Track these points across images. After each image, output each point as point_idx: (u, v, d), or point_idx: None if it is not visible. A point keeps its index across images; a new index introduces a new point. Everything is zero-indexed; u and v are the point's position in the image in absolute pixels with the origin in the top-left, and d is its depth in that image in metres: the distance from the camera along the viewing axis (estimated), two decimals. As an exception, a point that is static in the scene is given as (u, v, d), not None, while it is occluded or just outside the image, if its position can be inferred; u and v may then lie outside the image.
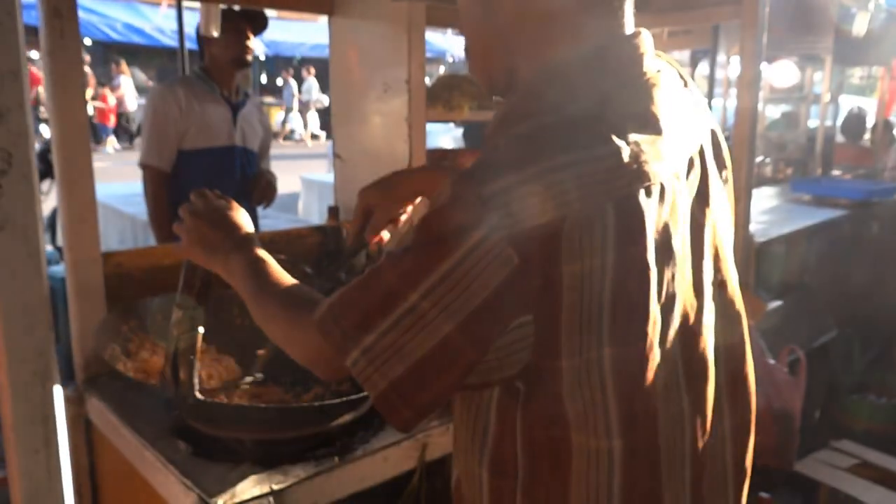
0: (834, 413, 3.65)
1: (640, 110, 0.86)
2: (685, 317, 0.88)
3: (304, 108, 17.83)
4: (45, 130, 5.13)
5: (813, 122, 6.50)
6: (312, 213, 6.97)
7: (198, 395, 1.28)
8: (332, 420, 1.44)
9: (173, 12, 6.35)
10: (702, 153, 0.94)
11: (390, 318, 0.82)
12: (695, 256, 0.90)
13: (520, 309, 0.80)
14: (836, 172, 5.96)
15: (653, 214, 0.81)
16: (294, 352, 0.99)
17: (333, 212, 2.12)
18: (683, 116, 0.92)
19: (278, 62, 18.76)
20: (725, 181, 1.03)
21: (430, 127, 2.04)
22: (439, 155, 2.32)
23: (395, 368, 0.82)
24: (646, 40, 0.92)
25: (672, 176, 0.85)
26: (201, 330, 1.27)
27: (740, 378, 1.03)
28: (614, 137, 0.80)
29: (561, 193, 0.77)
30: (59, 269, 1.79)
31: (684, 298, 0.88)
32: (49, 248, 4.43)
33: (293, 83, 17.50)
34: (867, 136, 7.10)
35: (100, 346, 1.52)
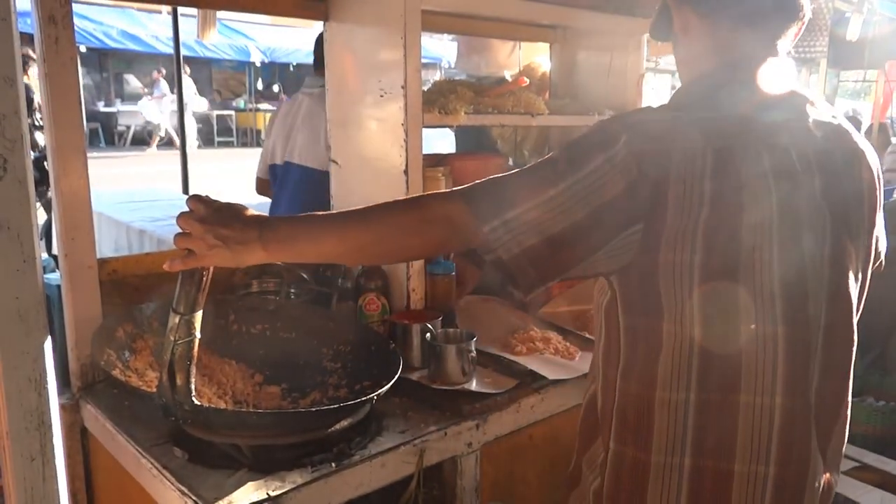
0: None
1: (754, 101, 1.12)
2: (787, 260, 1.06)
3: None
4: (41, 138, 5.13)
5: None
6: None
7: (194, 400, 1.28)
8: (329, 426, 1.44)
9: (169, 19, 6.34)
10: (833, 154, 1.15)
11: (537, 199, 1.06)
12: (809, 228, 1.09)
13: (634, 217, 1.04)
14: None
15: (750, 165, 1.04)
16: (426, 233, 1.16)
17: (330, 217, 2.12)
18: (808, 120, 1.15)
19: (273, 68, 18.80)
20: (869, 186, 1.21)
21: (426, 131, 2.04)
22: (435, 160, 2.31)
23: (531, 239, 1.06)
24: (782, 66, 1.19)
25: (781, 147, 1.08)
26: (198, 335, 1.26)
27: (842, 359, 1.18)
28: (722, 110, 1.10)
29: (674, 131, 1.06)
30: (54, 276, 1.79)
31: (782, 247, 1.06)
32: (44, 255, 4.42)
33: (164, 84, 15.77)
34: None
35: (96, 353, 1.52)
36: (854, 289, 1.18)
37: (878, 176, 1.24)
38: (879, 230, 1.30)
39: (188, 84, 16.08)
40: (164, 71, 15.67)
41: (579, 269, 1.09)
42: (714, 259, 1.04)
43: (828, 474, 1.18)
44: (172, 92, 14.39)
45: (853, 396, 3.76)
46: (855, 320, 1.20)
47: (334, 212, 1.20)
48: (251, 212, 1.22)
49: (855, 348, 1.20)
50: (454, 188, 1.16)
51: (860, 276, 1.21)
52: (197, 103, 16.47)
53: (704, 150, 1.03)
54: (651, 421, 1.11)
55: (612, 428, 1.17)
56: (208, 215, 1.19)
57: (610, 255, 1.06)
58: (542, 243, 1.06)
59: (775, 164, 1.07)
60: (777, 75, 1.18)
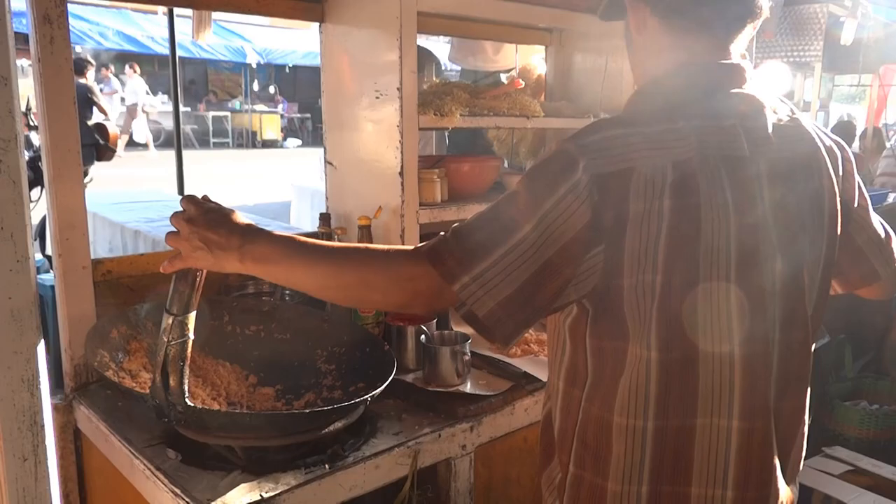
0: (826, 420, 3.65)
1: (713, 108, 1.08)
2: (745, 276, 1.04)
3: (130, 111, 15.43)
4: (35, 138, 5.12)
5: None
6: (304, 221, 6.96)
7: (188, 401, 1.28)
8: (322, 427, 1.44)
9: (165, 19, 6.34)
10: (792, 160, 1.13)
11: (504, 247, 1.00)
12: (766, 233, 1.06)
13: (596, 240, 1.00)
14: (826, 179, 5.97)
15: (709, 179, 1.01)
16: (389, 292, 1.11)
17: (325, 219, 2.12)
18: (767, 126, 1.11)
19: (269, 69, 18.80)
20: (829, 190, 1.17)
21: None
22: (432, 162, 2.31)
23: (505, 290, 1.01)
24: (743, 68, 1.13)
25: (740, 158, 1.05)
26: (191, 336, 1.26)
27: (798, 361, 1.15)
28: (681, 120, 1.04)
29: (632, 151, 1.01)
30: (48, 276, 1.78)
31: (740, 257, 1.03)
32: (38, 256, 4.41)
33: (115, 81, 15.14)
34: (856, 143, 7.14)
35: (89, 354, 1.51)
36: (811, 304, 1.15)
37: (841, 177, 1.22)
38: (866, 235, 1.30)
39: (139, 83, 15.54)
40: (112, 68, 15.13)
41: (554, 306, 1.05)
42: (674, 279, 1.01)
43: (790, 492, 1.17)
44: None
45: (846, 400, 3.77)
46: (812, 334, 1.17)
47: (318, 243, 1.16)
48: (242, 218, 1.20)
49: (811, 362, 1.18)
50: (420, 245, 1.09)
51: (819, 287, 1.18)
52: (149, 102, 16.03)
53: (664, 166, 1.00)
54: (609, 448, 1.08)
55: (573, 450, 1.14)
56: (197, 216, 1.18)
57: (577, 282, 1.02)
58: (516, 292, 1.01)
59: (733, 178, 1.04)
60: (734, 79, 1.13)
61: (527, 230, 1.00)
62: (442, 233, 1.07)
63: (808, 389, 1.20)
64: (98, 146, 7.40)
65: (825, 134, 1.23)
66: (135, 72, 15.52)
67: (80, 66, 8.40)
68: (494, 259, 1.00)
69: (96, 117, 7.90)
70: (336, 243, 1.19)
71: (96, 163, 7.56)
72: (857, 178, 1.29)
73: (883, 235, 1.33)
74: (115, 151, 7.74)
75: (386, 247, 1.16)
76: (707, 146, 1.03)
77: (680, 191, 1.00)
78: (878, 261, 1.32)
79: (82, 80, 8.22)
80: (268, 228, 1.19)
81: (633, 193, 0.99)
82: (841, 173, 1.22)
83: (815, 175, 1.15)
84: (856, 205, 1.28)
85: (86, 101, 7.62)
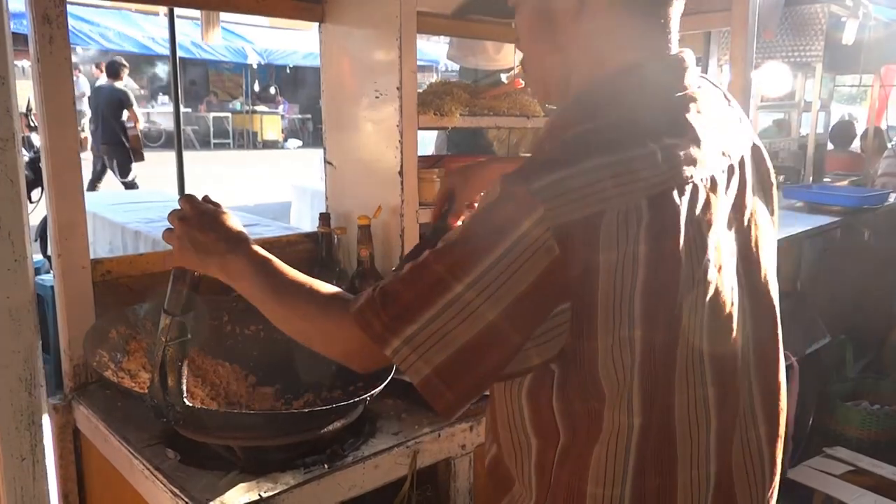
0: (827, 420, 3.65)
1: (678, 119, 0.94)
2: (715, 312, 0.94)
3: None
4: (36, 139, 5.12)
5: (805, 130, 6.53)
6: (304, 221, 6.97)
7: (186, 401, 1.27)
8: (321, 427, 1.43)
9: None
10: (742, 163, 1.01)
11: (435, 307, 0.87)
12: (729, 257, 0.96)
13: (560, 297, 0.86)
14: (827, 180, 5.98)
15: (685, 211, 0.88)
16: (325, 346, 1.04)
17: (325, 218, 2.11)
18: (721, 128, 0.99)
19: (270, 70, 18.80)
20: (769, 191, 1.09)
21: (421, 134, 2.04)
22: (431, 161, 2.31)
23: (439, 355, 0.88)
24: (688, 59, 1.01)
25: (708, 178, 0.92)
26: (189, 336, 1.26)
27: (773, 384, 1.09)
28: (650, 141, 0.89)
29: (601, 190, 0.85)
30: (49, 277, 1.78)
31: (715, 295, 0.93)
32: (39, 256, 4.41)
33: (83, 81, 13.77)
34: (855, 143, 7.14)
35: (88, 354, 1.51)
36: (776, 306, 1.09)
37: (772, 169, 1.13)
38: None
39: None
40: (80, 67, 15.15)
41: (506, 373, 0.92)
42: (656, 335, 0.89)
43: None
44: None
45: (847, 401, 3.76)
46: (780, 339, 1.11)
47: (284, 277, 1.10)
48: (236, 224, 1.19)
49: (783, 378, 1.13)
50: (355, 299, 0.97)
51: (774, 283, 1.10)
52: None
53: (638, 204, 0.85)
54: None
55: None
56: (192, 216, 1.18)
57: (539, 344, 0.88)
58: (453, 358, 0.88)
59: (711, 201, 0.91)
60: (684, 73, 1.00)
61: (459, 289, 0.86)
62: (372, 288, 0.95)
63: (783, 413, 1.12)
64: (126, 148, 8.00)
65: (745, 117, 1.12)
66: (101, 72, 15.48)
67: (115, 70, 8.55)
68: (426, 320, 0.88)
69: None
70: (298, 278, 1.11)
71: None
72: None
73: None
74: (141, 153, 8.19)
75: (330, 293, 1.06)
76: (679, 168, 0.89)
77: (657, 233, 0.86)
78: None
79: (118, 84, 8.35)
80: (265, 232, 1.18)
81: (603, 241, 0.84)
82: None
83: (763, 169, 1.08)
84: None
85: (118, 103, 7.78)
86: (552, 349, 0.89)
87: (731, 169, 0.98)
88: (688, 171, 0.89)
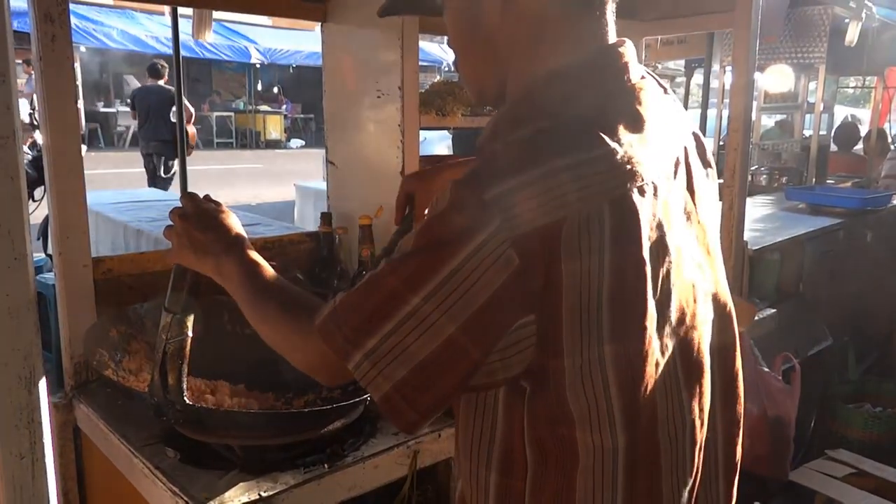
0: (829, 422, 3.64)
1: (629, 114, 0.89)
2: (681, 314, 0.90)
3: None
4: (39, 137, 5.13)
5: (808, 132, 6.53)
6: (308, 221, 6.97)
7: (186, 400, 1.27)
8: (321, 427, 1.43)
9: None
10: (686, 154, 0.98)
11: (392, 321, 0.83)
12: (687, 254, 0.93)
13: (522, 309, 0.81)
14: (830, 181, 5.98)
15: (647, 213, 0.83)
16: (294, 358, 1.00)
17: (326, 218, 2.11)
18: (667, 120, 0.95)
19: (273, 70, 18.82)
20: (711, 179, 1.06)
21: (425, 134, 2.04)
22: (433, 162, 2.31)
23: (398, 371, 0.84)
24: (629, 49, 0.96)
25: (663, 175, 0.88)
26: (189, 334, 1.26)
27: (732, 374, 1.06)
28: (608, 139, 0.83)
29: (560, 196, 0.80)
30: (51, 276, 1.78)
31: (680, 296, 0.90)
32: (42, 255, 4.41)
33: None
34: (859, 145, 7.13)
35: (88, 352, 1.51)
36: (728, 293, 1.05)
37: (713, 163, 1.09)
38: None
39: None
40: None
41: (471, 387, 0.88)
42: (629, 344, 0.84)
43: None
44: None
45: (849, 403, 3.75)
46: (736, 331, 1.07)
47: (269, 284, 1.10)
48: (233, 223, 1.19)
49: (739, 369, 1.09)
50: (320, 311, 0.92)
51: (723, 272, 1.06)
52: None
53: (600, 209, 0.80)
54: None
55: None
56: (192, 214, 1.18)
57: (504, 358, 0.84)
58: (412, 374, 0.84)
59: (667, 199, 0.88)
60: (626, 63, 0.94)
61: (416, 302, 0.82)
62: (333, 300, 0.91)
63: (741, 401, 1.09)
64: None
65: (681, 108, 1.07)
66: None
67: (156, 71, 8.90)
68: (385, 333, 0.84)
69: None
70: (279, 286, 1.10)
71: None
72: None
73: None
74: (192, 148, 8.55)
75: (304, 304, 1.02)
76: (637, 167, 0.84)
77: (620, 238, 0.81)
78: None
79: (161, 83, 8.82)
80: (266, 232, 1.18)
81: (564, 250, 0.79)
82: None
83: (704, 162, 1.04)
84: None
85: (169, 102, 8.20)
86: (518, 365, 0.85)
87: (677, 162, 0.94)
88: (646, 168, 0.85)
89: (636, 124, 0.88)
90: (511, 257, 0.79)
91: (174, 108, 8.25)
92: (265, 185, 11.47)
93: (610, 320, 0.82)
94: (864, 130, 7.27)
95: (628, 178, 0.83)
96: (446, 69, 14.36)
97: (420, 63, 1.97)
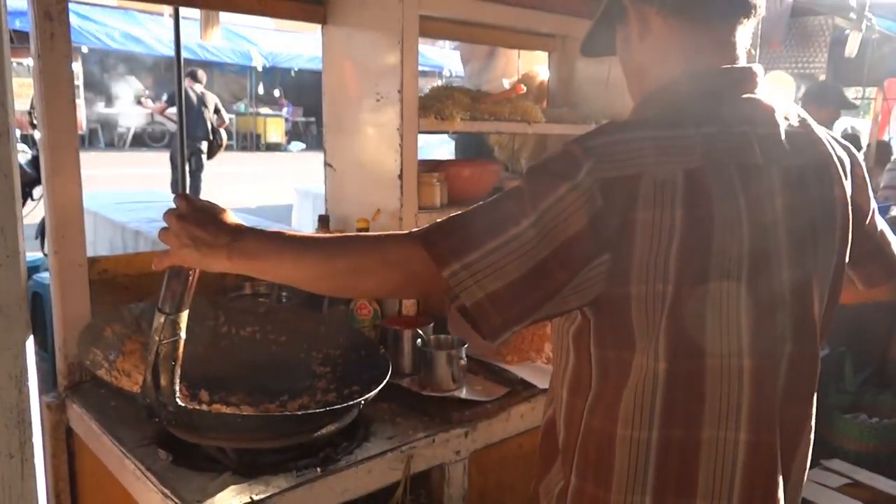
0: (825, 432, 3.63)
1: (725, 113, 1.05)
2: (753, 287, 1.01)
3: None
4: (38, 136, 5.12)
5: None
6: (306, 224, 6.97)
7: (179, 402, 1.27)
8: (315, 430, 1.42)
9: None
10: (803, 168, 1.09)
11: (499, 240, 0.97)
12: (784, 251, 1.05)
13: (602, 248, 0.96)
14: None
15: (722, 188, 0.98)
16: (385, 272, 1.08)
17: (324, 220, 2.11)
18: (780, 132, 1.08)
19: (274, 72, 18.83)
20: (841, 199, 1.15)
21: (427, 138, 2.03)
22: (431, 166, 2.30)
23: (494, 283, 0.97)
24: (753, 72, 1.11)
25: (753, 166, 1.02)
26: (183, 336, 1.25)
27: (807, 387, 1.16)
28: (691, 126, 1.01)
29: (640, 156, 0.97)
30: (47, 275, 1.78)
31: (751, 271, 1.01)
32: (39, 254, 4.41)
33: None
34: (860, 156, 7.12)
35: (82, 352, 1.50)
36: (819, 314, 1.14)
37: (851, 182, 1.20)
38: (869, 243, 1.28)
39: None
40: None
41: (546, 310, 1.01)
42: (684, 290, 0.98)
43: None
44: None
45: (846, 413, 3.74)
46: (819, 346, 1.15)
47: (308, 235, 1.17)
48: (232, 218, 1.19)
49: (818, 373, 1.17)
50: (415, 230, 1.07)
51: (828, 297, 1.16)
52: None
53: (675, 173, 0.96)
54: (612, 459, 1.06)
55: (574, 462, 1.11)
56: (188, 213, 1.17)
57: (577, 290, 0.98)
58: (505, 287, 0.97)
59: (747, 187, 1.00)
60: (745, 83, 1.10)
61: (524, 226, 0.96)
62: (440, 219, 1.04)
63: (815, 402, 1.18)
64: (210, 144, 8.92)
65: (836, 140, 1.21)
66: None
67: (194, 75, 9.38)
68: (487, 250, 0.97)
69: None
70: (326, 235, 1.17)
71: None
72: (868, 181, 1.28)
73: (891, 238, 1.34)
74: (221, 146, 9.25)
75: (377, 233, 1.13)
76: (719, 154, 1.00)
77: (692, 201, 0.96)
78: (885, 263, 1.32)
79: (197, 87, 9.28)
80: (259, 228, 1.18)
81: (641, 201, 0.95)
82: (851, 178, 1.20)
83: (826, 182, 1.13)
84: (869, 210, 1.28)
85: (207, 104, 8.91)
86: (587, 296, 0.99)
87: (786, 170, 1.05)
88: (727, 156, 1.00)
89: (730, 121, 1.04)
90: (597, 197, 0.95)
91: (208, 111, 9.04)
92: (265, 188, 11.47)
93: (675, 266, 0.96)
94: (863, 140, 7.27)
95: (705, 156, 0.98)
96: (447, 74, 14.37)
97: (420, 68, 1.96)
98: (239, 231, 1.16)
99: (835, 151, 1.16)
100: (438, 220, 1.04)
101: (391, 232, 1.12)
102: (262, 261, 1.13)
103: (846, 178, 1.17)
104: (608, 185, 0.95)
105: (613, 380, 1.05)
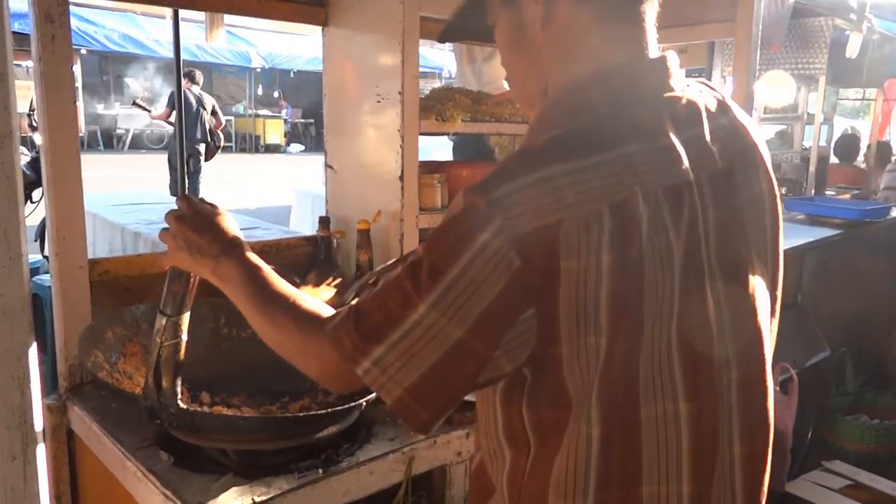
0: (826, 434, 3.63)
1: (647, 124, 0.91)
2: (687, 327, 0.90)
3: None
4: (37, 138, 5.12)
5: (807, 143, 6.53)
6: (305, 225, 6.97)
7: (180, 403, 1.27)
8: (316, 431, 1.42)
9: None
10: (729, 171, 0.97)
11: (400, 329, 0.87)
12: (709, 266, 0.93)
13: (524, 305, 0.85)
14: (829, 192, 5.98)
15: (650, 221, 0.86)
16: (304, 364, 1.02)
17: (324, 222, 2.11)
18: (705, 132, 0.95)
19: (273, 74, 18.84)
20: (769, 193, 1.04)
21: (426, 140, 2.03)
22: (432, 167, 2.30)
23: (410, 376, 0.88)
24: (669, 62, 0.98)
25: (682, 184, 0.90)
26: (184, 337, 1.25)
27: (757, 407, 1.02)
28: (612, 148, 0.87)
29: (558, 199, 0.83)
30: (48, 277, 1.77)
31: (685, 309, 0.90)
32: (39, 257, 4.40)
33: None
34: (860, 157, 7.13)
35: (83, 354, 1.50)
36: (766, 326, 1.03)
37: (775, 179, 1.07)
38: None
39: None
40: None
41: (480, 383, 0.91)
42: (618, 344, 0.86)
43: None
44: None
45: (846, 414, 3.74)
46: (769, 362, 1.04)
47: (273, 287, 1.10)
48: (230, 225, 1.18)
49: (771, 396, 1.05)
50: (331, 315, 0.97)
51: (771, 306, 1.05)
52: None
53: (599, 209, 0.83)
54: None
55: None
56: (188, 216, 1.17)
57: (508, 352, 0.87)
58: (423, 378, 0.87)
59: (676, 212, 0.88)
60: (663, 78, 0.97)
61: (421, 311, 0.85)
62: (349, 305, 0.95)
63: (770, 436, 1.06)
64: (208, 146, 8.95)
65: (748, 118, 1.06)
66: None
67: (192, 76, 9.36)
68: (391, 342, 0.87)
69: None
70: (285, 290, 1.09)
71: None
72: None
73: None
74: (219, 148, 9.29)
75: (311, 310, 1.04)
76: (644, 178, 0.86)
77: (620, 241, 0.84)
78: None
79: (195, 88, 9.29)
80: (264, 235, 1.17)
81: (563, 250, 0.83)
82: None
83: (753, 178, 1.02)
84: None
85: (202, 106, 8.90)
86: (521, 354, 0.88)
87: (713, 175, 0.94)
88: (654, 176, 0.87)
89: (653, 134, 0.90)
90: (512, 258, 0.83)
91: (206, 113, 9.07)
92: (264, 190, 11.48)
93: (607, 316, 0.85)
94: (863, 142, 7.28)
95: (631, 184, 0.85)
96: (447, 76, 14.38)
97: (420, 69, 1.96)
98: (231, 247, 1.15)
99: (757, 145, 1.04)
100: (347, 308, 0.94)
101: (318, 312, 1.02)
102: (230, 291, 1.13)
103: (769, 165, 1.06)
104: (524, 241, 0.83)
105: (553, 441, 0.93)
